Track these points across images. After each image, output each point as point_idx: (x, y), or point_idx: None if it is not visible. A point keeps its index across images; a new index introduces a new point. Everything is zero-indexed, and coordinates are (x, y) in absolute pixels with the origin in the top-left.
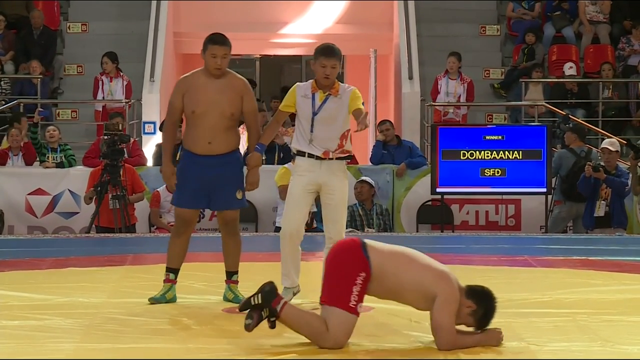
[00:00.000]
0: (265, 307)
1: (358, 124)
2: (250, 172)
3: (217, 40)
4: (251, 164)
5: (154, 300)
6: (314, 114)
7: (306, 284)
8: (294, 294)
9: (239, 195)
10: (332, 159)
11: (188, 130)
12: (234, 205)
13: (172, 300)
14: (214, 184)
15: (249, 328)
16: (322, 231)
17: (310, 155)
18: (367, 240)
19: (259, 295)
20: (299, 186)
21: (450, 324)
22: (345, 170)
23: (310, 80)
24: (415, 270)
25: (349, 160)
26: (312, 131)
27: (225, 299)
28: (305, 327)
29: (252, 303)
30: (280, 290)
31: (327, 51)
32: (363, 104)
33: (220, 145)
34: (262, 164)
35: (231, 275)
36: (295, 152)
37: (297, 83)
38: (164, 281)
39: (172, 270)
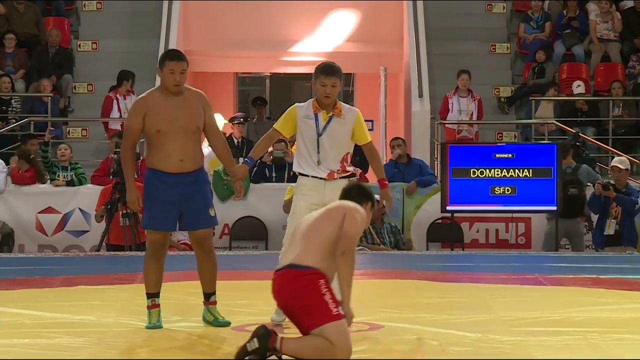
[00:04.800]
0: (264, 350)
1: (384, 206)
2: (236, 183)
3: (174, 55)
4: (238, 176)
5: (151, 326)
6: (319, 135)
7: None
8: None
9: (211, 213)
10: (336, 178)
11: (154, 150)
12: (208, 223)
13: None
14: (184, 202)
15: None
16: None
17: (315, 177)
18: (282, 258)
19: (255, 340)
20: (303, 206)
21: (355, 235)
22: None
23: (310, 100)
24: (324, 218)
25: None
26: (319, 152)
27: (205, 321)
28: (311, 351)
29: (249, 349)
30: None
31: (327, 70)
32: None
33: (191, 162)
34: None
35: (209, 296)
36: (298, 174)
37: (296, 104)
38: (151, 307)
39: (157, 295)
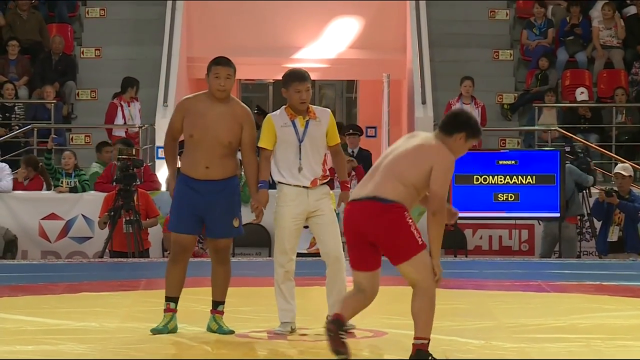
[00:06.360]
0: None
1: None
2: (258, 209)
3: (220, 61)
4: (262, 202)
5: (155, 331)
6: (300, 141)
7: (309, 311)
8: (292, 329)
9: (235, 224)
10: (318, 185)
11: (186, 154)
12: (231, 233)
13: (174, 330)
14: (209, 210)
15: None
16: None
17: (297, 186)
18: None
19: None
20: (289, 219)
21: (444, 193)
22: (329, 192)
23: (283, 108)
24: (409, 162)
25: (331, 183)
26: (300, 159)
27: (209, 329)
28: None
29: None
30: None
31: (299, 76)
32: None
33: (218, 171)
34: None
35: (217, 305)
36: (278, 183)
37: (269, 114)
38: (165, 311)
39: (173, 300)
